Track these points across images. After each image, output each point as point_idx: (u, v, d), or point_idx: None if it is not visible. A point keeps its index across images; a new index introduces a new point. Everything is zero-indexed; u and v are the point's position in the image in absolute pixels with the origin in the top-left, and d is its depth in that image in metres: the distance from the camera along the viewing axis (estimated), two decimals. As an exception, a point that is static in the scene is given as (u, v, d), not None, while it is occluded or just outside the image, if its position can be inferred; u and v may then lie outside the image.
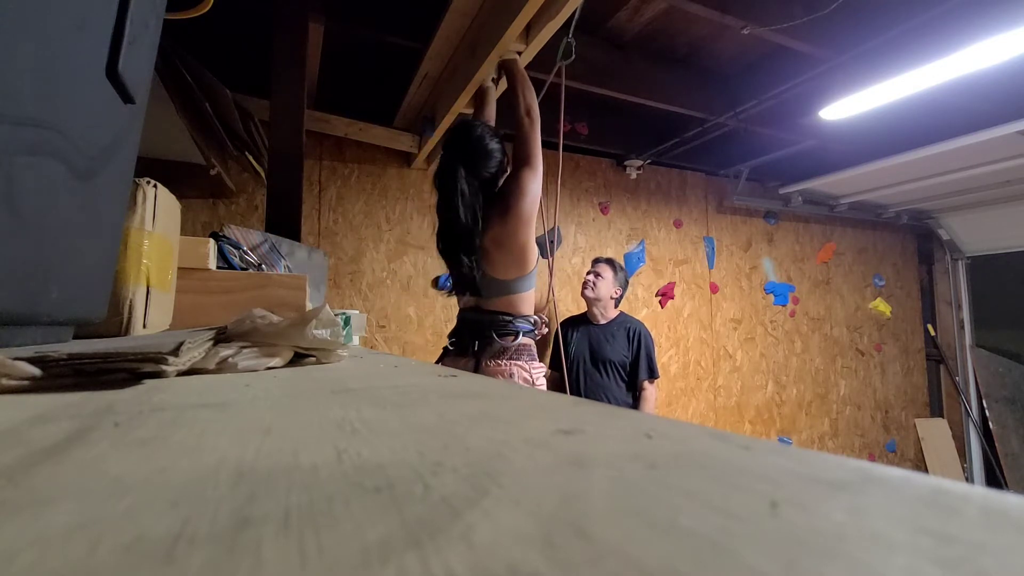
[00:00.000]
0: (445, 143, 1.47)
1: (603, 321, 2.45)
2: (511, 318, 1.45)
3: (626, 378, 2.37)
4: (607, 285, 2.42)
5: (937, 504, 0.14)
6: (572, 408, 0.27)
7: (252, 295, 1.00)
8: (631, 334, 2.38)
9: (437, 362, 1.55)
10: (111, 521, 0.13)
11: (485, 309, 1.46)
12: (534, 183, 1.41)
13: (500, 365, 1.42)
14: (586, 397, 2.28)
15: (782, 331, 3.54)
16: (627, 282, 2.53)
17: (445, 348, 1.54)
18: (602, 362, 2.35)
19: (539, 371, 1.47)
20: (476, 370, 1.41)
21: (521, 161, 1.43)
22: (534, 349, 1.49)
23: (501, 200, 1.42)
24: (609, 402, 2.25)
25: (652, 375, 2.36)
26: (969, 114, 2.35)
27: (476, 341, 1.44)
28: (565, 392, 2.18)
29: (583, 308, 2.69)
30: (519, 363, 1.44)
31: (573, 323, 2.57)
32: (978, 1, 1.72)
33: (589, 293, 2.43)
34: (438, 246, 1.50)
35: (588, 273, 2.49)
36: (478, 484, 0.15)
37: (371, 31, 1.92)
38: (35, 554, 0.11)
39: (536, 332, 1.49)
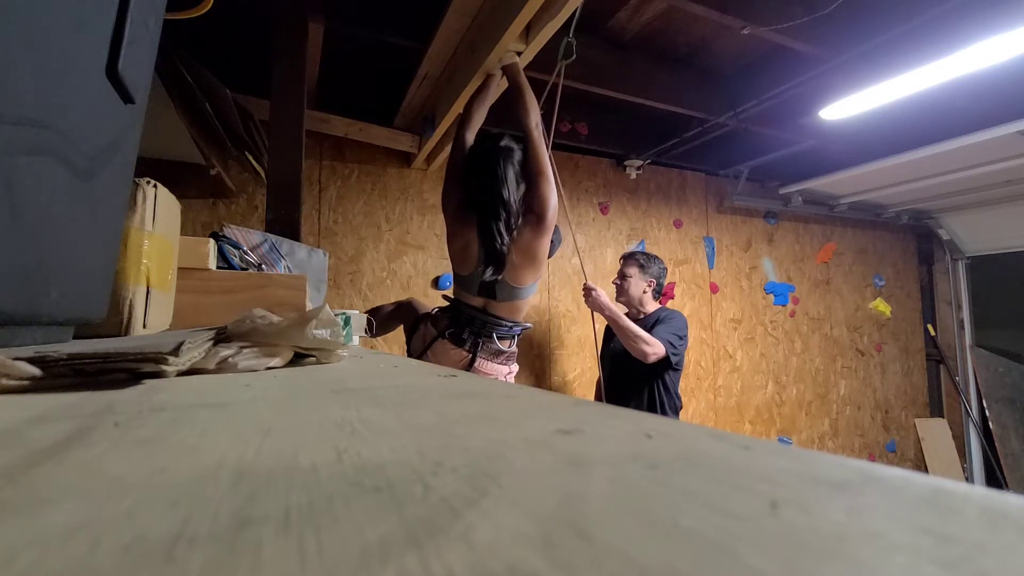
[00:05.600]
0: (483, 145, 1.56)
1: (641, 317, 2.27)
2: (511, 324, 1.55)
3: (649, 374, 2.15)
4: (636, 282, 2.27)
5: (937, 504, 0.14)
6: (572, 408, 0.27)
7: (252, 295, 1.00)
8: (657, 321, 2.17)
9: (413, 333, 1.66)
10: (111, 521, 0.13)
11: (492, 313, 1.54)
12: (553, 193, 1.49)
13: (495, 367, 1.55)
14: (615, 395, 2.18)
15: (782, 331, 3.54)
16: (662, 271, 2.32)
17: (435, 334, 1.56)
18: (628, 356, 2.15)
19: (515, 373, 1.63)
20: (471, 366, 1.52)
21: (537, 174, 1.49)
22: (517, 353, 1.63)
23: (528, 212, 1.49)
24: (629, 401, 2.13)
25: (667, 343, 2.05)
26: (969, 114, 2.35)
27: (475, 339, 1.53)
28: (602, 393, 2.14)
29: (582, 307, 2.68)
30: (508, 367, 1.58)
31: None
32: (978, 1, 1.72)
33: (622, 298, 2.31)
34: (467, 211, 1.52)
35: (615, 279, 2.34)
36: (478, 484, 0.15)
37: (371, 31, 1.92)
38: (35, 554, 0.11)
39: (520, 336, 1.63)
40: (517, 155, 1.51)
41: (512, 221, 1.46)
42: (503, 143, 1.51)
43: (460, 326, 1.54)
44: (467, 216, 1.51)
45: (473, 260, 1.50)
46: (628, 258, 2.34)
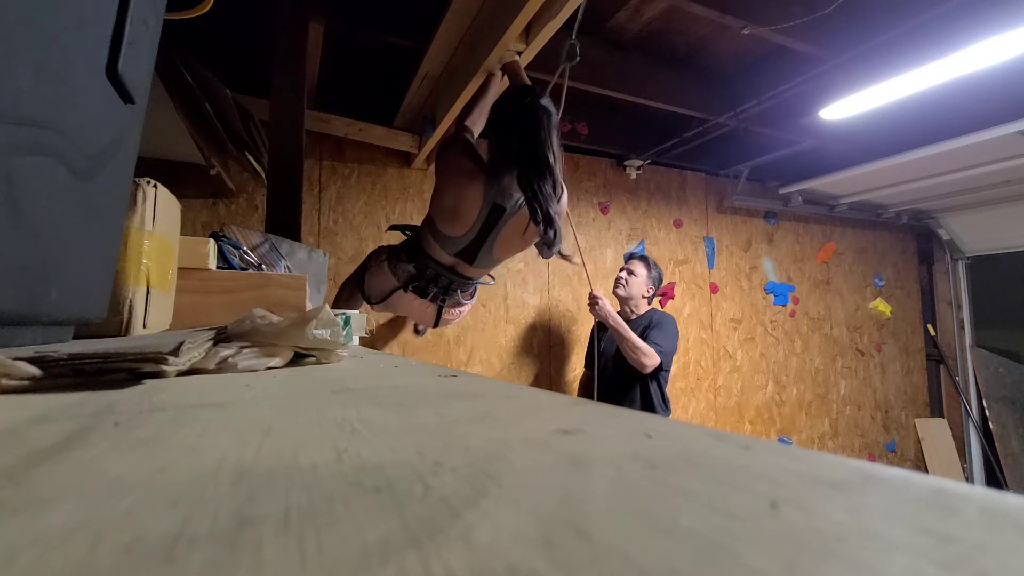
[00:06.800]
0: (523, 100, 1.36)
1: (633, 318, 2.36)
2: (476, 280, 1.68)
3: (644, 375, 2.20)
4: (639, 283, 2.34)
5: (937, 504, 0.14)
6: (572, 408, 0.27)
7: (252, 295, 1.00)
8: (649, 325, 2.26)
9: (365, 269, 1.73)
10: (111, 521, 0.13)
11: (460, 273, 1.59)
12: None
13: (456, 311, 1.74)
14: (609, 394, 2.24)
15: (782, 331, 3.54)
16: (661, 279, 2.44)
17: (396, 284, 1.61)
18: (624, 358, 2.28)
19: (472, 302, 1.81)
20: (438, 315, 1.70)
21: None
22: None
23: None
24: (623, 401, 2.21)
25: (662, 354, 2.13)
26: (969, 114, 2.35)
27: (443, 293, 1.64)
28: (594, 391, 2.17)
29: (582, 307, 2.68)
30: (464, 307, 1.76)
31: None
32: (978, 1, 1.72)
33: (621, 292, 2.36)
34: (507, 164, 1.33)
35: (621, 270, 2.42)
36: (478, 484, 0.15)
37: (371, 31, 1.92)
38: (35, 554, 0.11)
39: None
40: (555, 119, 1.35)
41: (558, 190, 1.32)
42: (544, 102, 1.33)
43: (426, 280, 1.60)
44: (476, 171, 1.36)
45: (468, 221, 1.40)
46: (638, 258, 2.44)
